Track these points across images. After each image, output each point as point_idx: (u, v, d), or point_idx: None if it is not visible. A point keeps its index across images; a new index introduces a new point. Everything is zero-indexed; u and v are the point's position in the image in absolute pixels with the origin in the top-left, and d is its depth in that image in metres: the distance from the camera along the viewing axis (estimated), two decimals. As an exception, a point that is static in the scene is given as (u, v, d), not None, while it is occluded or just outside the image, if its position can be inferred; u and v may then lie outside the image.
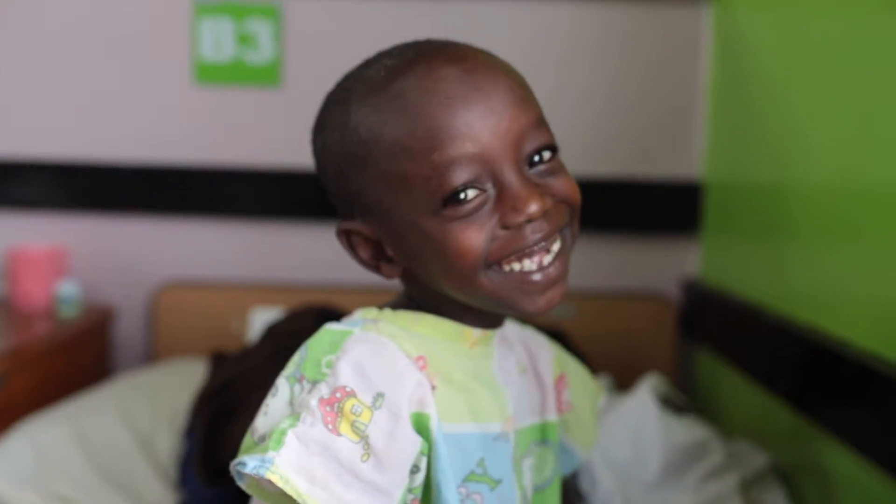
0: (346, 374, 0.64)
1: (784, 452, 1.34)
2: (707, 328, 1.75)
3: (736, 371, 1.54)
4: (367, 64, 0.72)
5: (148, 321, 1.95)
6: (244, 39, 1.89)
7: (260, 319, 1.75)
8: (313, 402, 0.63)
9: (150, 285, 1.94)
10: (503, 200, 0.66)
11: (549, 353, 0.85)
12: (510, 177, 0.66)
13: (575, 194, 0.70)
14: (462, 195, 0.66)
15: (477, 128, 0.65)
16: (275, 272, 1.93)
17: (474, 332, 0.74)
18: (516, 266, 0.68)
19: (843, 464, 1.15)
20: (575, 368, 0.88)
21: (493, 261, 0.67)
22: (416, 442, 0.65)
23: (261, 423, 0.66)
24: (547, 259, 0.68)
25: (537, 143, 0.68)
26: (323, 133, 0.73)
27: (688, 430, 1.33)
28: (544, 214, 0.67)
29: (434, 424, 0.66)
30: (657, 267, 1.91)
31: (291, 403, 0.66)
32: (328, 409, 0.63)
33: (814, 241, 1.29)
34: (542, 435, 0.80)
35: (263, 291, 1.88)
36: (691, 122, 1.87)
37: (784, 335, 1.31)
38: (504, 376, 0.76)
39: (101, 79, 1.93)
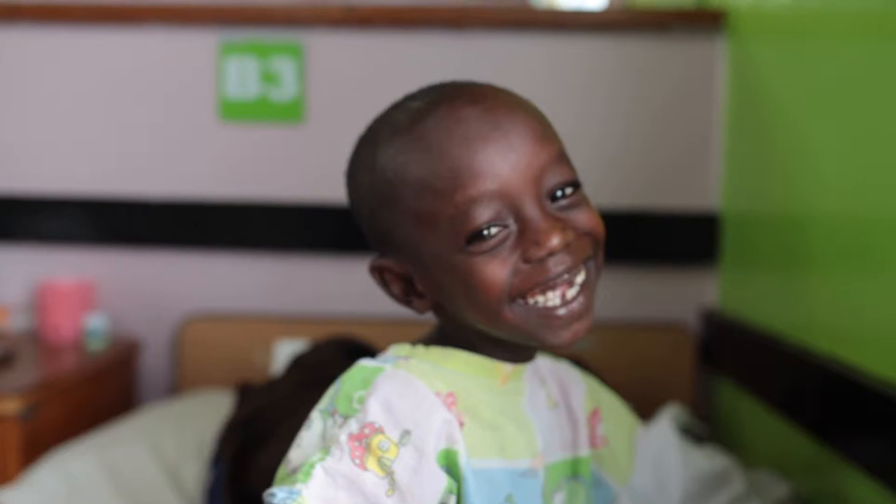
0: (375, 410, 0.66)
1: (806, 482, 1.33)
2: (726, 358, 1.75)
3: (756, 400, 1.54)
4: (394, 107, 0.75)
5: (173, 353, 1.98)
6: (268, 77, 1.94)
7: (284, 352, 1.77)
8: (343, 436, 0.65)
9: (175, 318, 1.98)
10: (525, 235, 0.68)
11: (581, 388, 0.85)
12: (531, 212, 0.68)
13: (598, 227, 0.72)
14: (486, 232, 0.68)
15: (497, 165, 0.67)
16: (299, 305, 1.96)
17: (505, 368, 0.75)
18: (540, 299, 0.69)
19: (865, 493, 1.14)
20: (609, 401, 0.89)
21: (517, 294, 0.69)
22: (442, 479, 0.67)
23: (294, 455, 0.68)
24: (570, 292, 0.70)
25: (558, 179, 0.70)
26: (354, 175, 0.76)
27: (709, 460, 1.33)
28: (566, 247, 0.68)
29: (463, 460, 0.68)
30: (676, 297, 1.92)
31: (324, 437, 0.68)
32: (356, 444, 0.65)
33: (832, 270, 1.29)
34: (574, 470, 0.81)
35: (287, 324, 1.90)
36: (708, 153, 1.89)
37: (804, 364, 1.31)
38: (534, 411, 0.77)
39: (129, 116, 1.97)
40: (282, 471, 0.68)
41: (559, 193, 0.70)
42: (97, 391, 1.79)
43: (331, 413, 0.68)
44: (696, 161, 1.90)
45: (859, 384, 1.13)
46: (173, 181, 1.96)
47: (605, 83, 1.91)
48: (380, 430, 0.65)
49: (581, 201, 0.71)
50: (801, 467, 1.36)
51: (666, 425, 1.38)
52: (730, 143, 1.83)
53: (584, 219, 0.71)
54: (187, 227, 1.96)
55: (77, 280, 1.94)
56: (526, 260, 0.68)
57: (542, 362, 0.83)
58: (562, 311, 0.69)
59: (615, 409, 0.89)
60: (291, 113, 1.94)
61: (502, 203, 0.68)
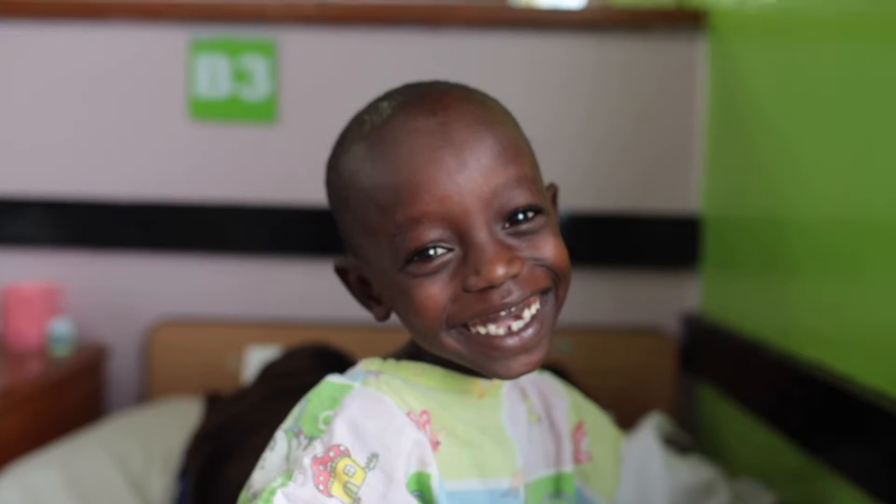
0: (341, 432, 0.63)
1: (790, 491, 1.31)
2: (708, 363, 1.73)
3: (739, 407, 1.51)
4: (369, 105, 0.71)
5: (142, 359, 1.93)
6: (240, 76, 1.89)
7: (256, 358, 1.73)
8: (306, 460, 0.62)
9: (144, 323, 1.92)
10: (468, 262, 0.63)
11: (565, 402, 0.82)
12: (478, 237, 0.63)
13: (559, 259, 0.66)
14: (431, 251, 0.63)
15: (443, 185, 0.62)
16: (271, 309, 1.91)
17: (481, 383, 0.71)
18: (482, 329, 0.64)
19: (849, 502, 1.12)
20: (594, 415, 0.85)
21: (456, 322, 0.64)
22: None
23: (257, 477, 0.65)
24: (516, 325, 0.64)
25: (517, 203, 0.64)
26: (327, 169, 0.73)
27: (693, 471, 1.31)
28: (515, 278, 0.63)
29: (436, 483, 0.64)
30: (657, 301, 1.89)
31: (288, 459, 0.65)
32: (321, 468, 0.61)
33: (814, 274, 1.27)
34: (557, 487, 0.78)
35: (259, 329, 1.86)
36: (689, 155, 1.87)
37: (787, 371, 1.29)
38: (514, 427, 0.73)
39: (96, 115, 1.92)
40: (243, 495, 0.65)
41: (520, 217, 0.65)
42: (62, 399, 1.73)
43: (296, 433, 0.65)
44: (677, 163, 1.88)
45: (843, 391, 1.11)
46: (141, 182, 1.91)
47: (584, 84, 1.88)
48: (346, 454, 0.62)
49: (543, 228, 0.66)
50: (784, 476, 1.34)
51: (649, 435, 1.35)
52: (711, 145, 1.81)
53: (546, 249, 0.65)
54: (156, 228, 1.91)
55: (41, 284, 1.88)
56: (465, 289, 0.63)
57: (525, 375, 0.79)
58: (510, 342, 0.64)
59: (600, 424, 0.85)
60: (264, 112, 1.90)
61: (446, 225, 0.63)
